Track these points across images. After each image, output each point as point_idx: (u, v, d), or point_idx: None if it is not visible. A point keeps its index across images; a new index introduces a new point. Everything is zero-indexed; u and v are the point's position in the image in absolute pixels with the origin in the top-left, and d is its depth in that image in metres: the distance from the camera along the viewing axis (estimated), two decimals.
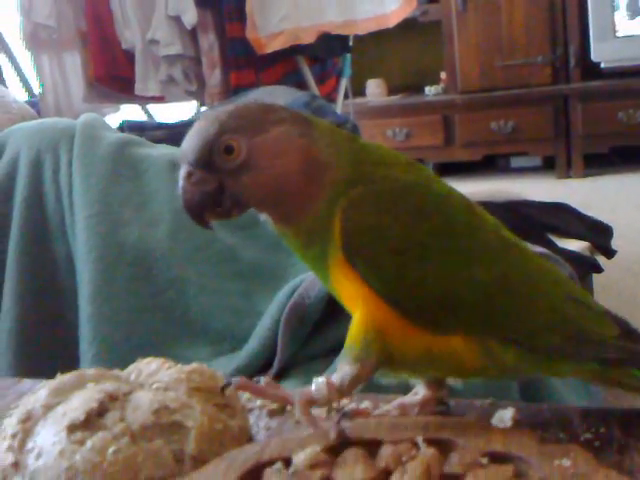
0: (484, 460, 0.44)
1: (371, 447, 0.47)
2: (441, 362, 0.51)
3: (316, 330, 0.89)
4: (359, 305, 0.50)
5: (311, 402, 0.50)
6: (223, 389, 0.52)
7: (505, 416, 0.51)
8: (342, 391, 0.50)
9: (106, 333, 0.95)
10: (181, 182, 0.50)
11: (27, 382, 0.67)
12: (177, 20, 2.27)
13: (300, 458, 0.45)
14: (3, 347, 1.02)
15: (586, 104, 3.52)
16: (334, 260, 0.50)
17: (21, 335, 1.02)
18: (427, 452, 0.45)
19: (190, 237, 1.03)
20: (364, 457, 0.45)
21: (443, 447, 0.46)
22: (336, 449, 0.46)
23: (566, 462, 0.43)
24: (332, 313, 0.87)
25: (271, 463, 0.46)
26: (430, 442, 0.46)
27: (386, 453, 0.46)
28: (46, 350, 1.03)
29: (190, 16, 2.24)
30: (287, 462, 0.46)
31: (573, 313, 0.51)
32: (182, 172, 0.50)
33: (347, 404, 0.56)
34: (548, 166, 3.70)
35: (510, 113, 3.62)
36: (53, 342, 1.04)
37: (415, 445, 0.46)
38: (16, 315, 1.03)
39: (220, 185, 0.50)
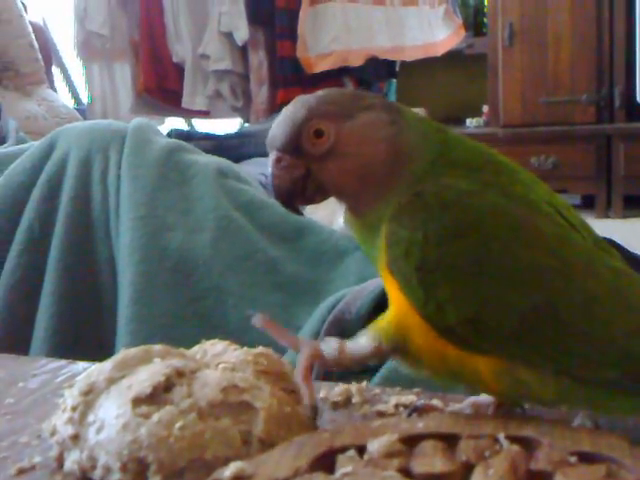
0: (572, 459, 0.41)
1: (448, 441, 0.44)
2: (465, 379, 0.48)
3: None
4: (394, 307, 0.49)
5: (317, 356, 0.52)
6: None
7: (586, 421, 0.49)
8: (350, 358, 0.51)
9: (143, 337, 0.94)
10: (271, 168, 0.50)
11: (81, 363, 0.66)
12: (229, 36, 2.29)
13: (375, 446, 0.43)
14: (38, 346, 1.01)
15: (629, 145, 3.49)
16: (381, 261, 0.48)
17: (58, 335, 1.01)
18: (512, 448, 0.42)
19: (232, 246, 1.01)
20: (443, 449, 0.43)
21: (526, 445, 0.43)
22: (412, 440, 0.44)
23: None
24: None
25: (343, 450, 0.43)
26: (512, 440, 0.43)
27: (467, 447, 0.43)
28: (82, 351, 1.01)
29: (242, 33, 2.26)
30: (360, 450, 0.43)
31: None
32: (271, 158, 0.50)
33: (417, 399, 0.53)
34: (587, 205, 3.66)
35: (551, 150, 3.60)
36: (90, 344, 1.02)
37: (496, 441, 0.43)
38: (54, 314, 1.01)
39: (307, 170, 0.49)
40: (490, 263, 0.45)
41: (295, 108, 0.50)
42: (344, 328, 0.85)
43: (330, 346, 0.52)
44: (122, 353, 0.50)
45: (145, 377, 0.46)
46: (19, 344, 1.01)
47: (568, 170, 3.57)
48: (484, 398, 0.52)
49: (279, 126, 0.50)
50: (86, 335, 1.02)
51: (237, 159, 1.58)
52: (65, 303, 1.02)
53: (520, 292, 0.45)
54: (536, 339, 0.45)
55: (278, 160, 0.49)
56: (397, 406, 0.53)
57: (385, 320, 0.50)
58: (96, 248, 1.05)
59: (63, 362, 0.67)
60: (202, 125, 2.80)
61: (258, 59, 2.32)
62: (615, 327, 0.45)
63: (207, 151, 1.28)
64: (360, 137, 0.49)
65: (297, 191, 0.50)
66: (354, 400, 0.55)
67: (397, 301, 0.48)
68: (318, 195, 0.51)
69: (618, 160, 3.50)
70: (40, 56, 2.21)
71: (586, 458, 0.42)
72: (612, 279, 0.46)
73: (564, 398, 0.47)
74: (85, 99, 2.57)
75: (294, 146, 0.49)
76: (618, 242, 1.30)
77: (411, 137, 0.49)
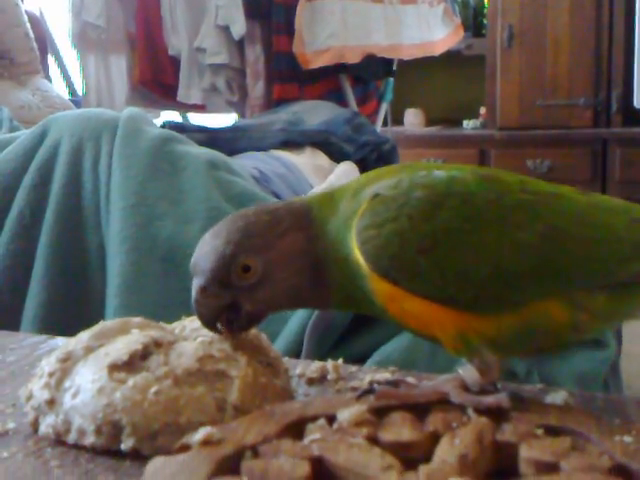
0: (539, 432, 0.42)
1: (418, 414, 0.45)
2: (531, 331, 0.47)
3: (342, 340, 0.87)
4: (431, 324, 0.48)
5: (464, 387, 0.47)
6: (362, 395, 0.47)
7: (557, 398, 0.49)
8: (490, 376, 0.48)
9: None
10: (194, 295, 0.50)
11: (60, 339, 0.66)
12: (225, 30, 2.28)
13: (345, 415, 0.43)
14: (27, 331, 1.02)
15: (625, 149, 3.49)
16: (379, 295, 0.48)
17: (46, 321, 1.01)
18: (479, 420, 0.43)
19: None
20: (412, 420, 0.44)
21: (494, 418, 0.44)
22: (382, 412, 0.45)
23: (627, 438, 0.41)
24: (359, 323, 0.86)
25: (314, 419, 0.44)
26: (481, 412, 0.44)
27: (435, 418, 0.44)
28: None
29: (239, 27, 2.25)
30: (331, 420, 0.44)
31: None
32: (195, 285, 0.50)
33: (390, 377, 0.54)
34: None
35: (547, 153, 3.61)
36: (78, 331, 1.02)
37: (465, 414, 0.44)
38: (43, 302, 1.01)
39: (234, 300, 0.50)
40: (480, 215, 0.47)
41: (220, 243, 0.50)
42: (331, 321, 0.86)
43: (467, 372, 0.48)
44: (100, 324, 0.50)
45: (122, 345, 0.47)
46: (7, 330, 1.01)
47: (564, 174, 3.57)
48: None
49: (204, 258, 0.50)
50: (74, 322, 1.02)
51: (231, 152, 1.58)
52: (54, 290, 1.02)
53: (522, 228, 0.46)
54: (558, 266, 0.46)
55: (202, 290, 0.50)
56: (371, 383, 0.53)
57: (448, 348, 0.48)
58: (86, 236, 1.06)
59: (42, 337, 0.67)
60: (198, 119, 2.80)
61: (254, 54, 2.32)
62: (614, 227, 0.47)
63: (200, 144, 1.28)
64: (283, 263, 0.50)
65: (221, 316, 0.51)
66: (329, 377, 0.56)
67: (427, 318, 0.47)
68: (253, 322, 0.52)
69: (614, 165, 3.51)
70: (35, 46, 2.22)
71: (553, 432, 0.42)
72: (583, 196, 0.49)
73: (617, 306, 0.48)
74: (80, 90, 2.57)
75: (222, 280, 0.50)
76: None
77: (323, 239, 0.50)
